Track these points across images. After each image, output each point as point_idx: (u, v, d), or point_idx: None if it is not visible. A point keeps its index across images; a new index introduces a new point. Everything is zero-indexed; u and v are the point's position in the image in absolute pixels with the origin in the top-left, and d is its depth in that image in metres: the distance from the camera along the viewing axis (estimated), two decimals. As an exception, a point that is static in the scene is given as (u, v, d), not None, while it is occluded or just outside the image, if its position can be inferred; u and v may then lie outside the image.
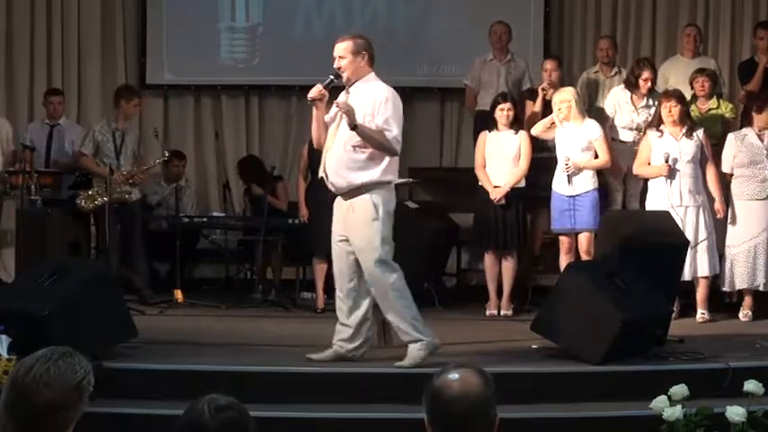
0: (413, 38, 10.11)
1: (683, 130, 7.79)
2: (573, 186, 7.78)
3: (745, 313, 7.86)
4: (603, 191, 8.10)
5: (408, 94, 10.15)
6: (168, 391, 5.58)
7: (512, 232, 8.05)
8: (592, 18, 10.19)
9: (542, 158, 8.30)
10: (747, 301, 7.89)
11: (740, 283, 7.84)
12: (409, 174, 9.48)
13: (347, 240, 6.07)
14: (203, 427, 2.33)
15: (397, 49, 10.05)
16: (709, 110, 8.41)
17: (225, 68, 10.13)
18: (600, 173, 8.02)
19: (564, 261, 7.74)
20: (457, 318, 8.01)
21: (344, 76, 6.05)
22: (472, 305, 8.35)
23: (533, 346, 6.55)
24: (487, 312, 8.09)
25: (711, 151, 7.90)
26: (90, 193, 8.29)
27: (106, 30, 10.02)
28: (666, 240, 7.06)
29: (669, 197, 7.73)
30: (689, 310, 7.79)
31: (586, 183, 7.81)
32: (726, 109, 8.60)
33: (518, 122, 8.18)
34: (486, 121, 8.30)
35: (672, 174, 7.74)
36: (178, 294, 8.27)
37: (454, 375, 2.50)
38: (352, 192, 6.00)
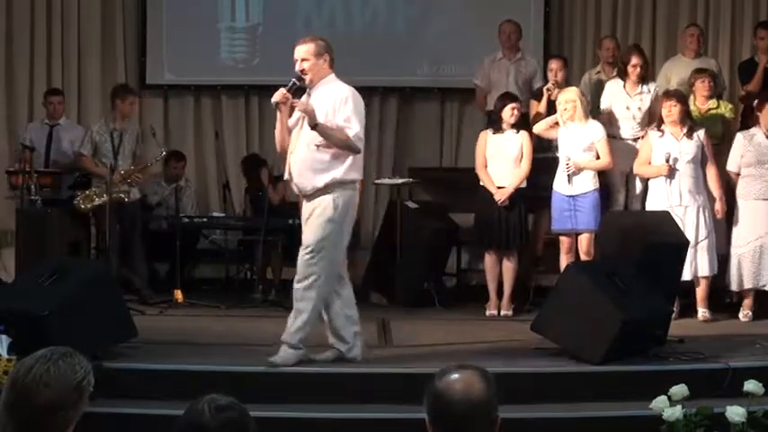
0: (413, 38, 10.11)
1: (684, 130, 7.79)
2: (573, 186, 7.77)
3: (745, 313, 7.86)
4: (605, 191, 8.10)
5: (408, 94, 10.23)
6: (168, 391, 5.59)
7: (513, 232, 8.04)
8: (592, 18, 10.18)
9: (544, 158, 8.30)
10: (747, 301, 7.88)
11: (747, 283, 7.84)
12: (409, 174, 9.50)
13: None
14: (203, 427, 2.33)
15: (397, 49, 10.08)
16: (709, 110, 8.41)
17: (225, 68, 10.13)
18: (602, 173, 8.01)
19: (564, 261, 7.73)
20: (457, 318, 8.00)
21: (307, 78, 6.05)
22: (472, 305, 8.35)
23: (534, 347, 6.54)
24: (487, 312, 8.08)
25: (712, 151, 7.89)
26: (87, 193, 8.28)
27: (106, 30, 10.01)
28: (666, 240, 7.06)
29: (669, 197, 7.73)
30: (689, 310, 7.79)
31: (587, 183, 7.81)
32: (726, 109, 8.60)
33: (523, 122, 8.16)
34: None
35: (672, 173, 7.74)
36: (178, 294, 8.27)
37: (456, 377, 2.49)
38: (317, 192, 6.03)
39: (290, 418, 5.55)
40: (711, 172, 7.82)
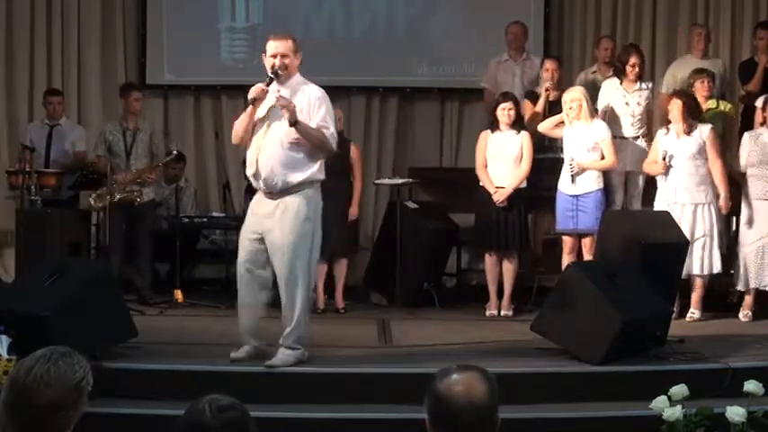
0: (413, 38, 10.11)
1: (685, 128, 7.79)
2: (576, 186, 7.77)
3: (745, 313, 7.86)
4: (606, 190, 8.09)
5: (408, 94, 10.23)
6: (168, 391, 5.58)
7: (513, 233, 8.04)
8: (592, 18, 10.18)
9: (544, 159, 8.31)
10: (747, 301, 7.88)
11: (751, 282, 7.84)
12: (409, 174, 9.51)
13: (262, 238, 6.04)
14: (204, 428, 2.33)
15: (397, 49, 10.08)
16: (709, 109, 8.40)
17: (225, 68, 10.13)
18: (603, 172, 8.00)
19: (566, 261, 7.73)
20: (457, 318, 8.01)
21: (283, 74, 6.03)
22: (472, 305, 8.35)
23: (534, 347, 6.54)
24: (487, 312, 8.09)
25: (717, 148, 7.87)
26: (100, 192, 8.27)
27: (106, 30, 10.01)
28: (666, 240, 7.06)
29: (666, 194, 7.75)
30: (689, 310, 7.79)
31: (590, 183, 7.81)
32: (726, 108, 8.60)
33: (520, 122, 8.17)
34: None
35: (668, 171, 7.74)
36: (178, 294, 8.27)
37: (458, 378, 2.46)
38: (286, 190, 6.01)
39: (290, 418, 5.55)
40: (715, 169, 7.81)
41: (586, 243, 7.77)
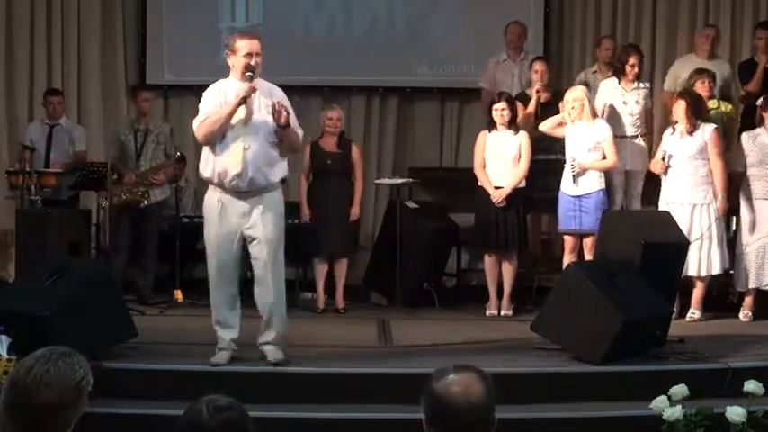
0: (413, 38, 10.11)
1: (687, 128, 7.79)
2: (578, 186, 7.76)
3: (745, 313, 7.86)
4: (606, 190, 8.08)
5: (408, 94, 10.22)
6: (168, 391, 5.59)
7: (512, 233, 8.04)
8: (592, 18, 10.18)
9: (543, 161, 8.31)
10: (747, 301, 7.88)
11: (751, 282, 7.84)
12: (409, 174, 9.50)
13: (238, 240, 6.04)
14: (202, 428, 2.33)
15: (397, 49, 10.08)
16: (710, 110, 8.40)
17: (225, 68, 10.06)
18: (604, 172, 7.99)
19: (567, 261, 7.73)
20: (457, 318, 8.01)
21: (257, 73, 6.03)
22: (472, 305, 8.35)
23: (534, 347, 6.54)
24: (487, 312, 8.09)
25: (719, 149, 7.86)
26: (108, 192, 8.26)
27: (106, 30, 10.01)
28: (666, 240, 7.06)
29: (666, 194, 7.75)
30: (689, 310, 7.79)
31: (592, 183, 7.80)
32: (726, 109, 8.60)
33: (515, 123, 8.17)
34: None
35: (667, 171, 7.74)
36: (178, 294, 8.27)
37: (456, 378, 2.47)
38: (267, 188, 6.03)
39: (290, 418, 5.55)
40: (716, 170, 7.79)
41: (588, 243, 7.76)
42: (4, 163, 9.38)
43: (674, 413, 4.96)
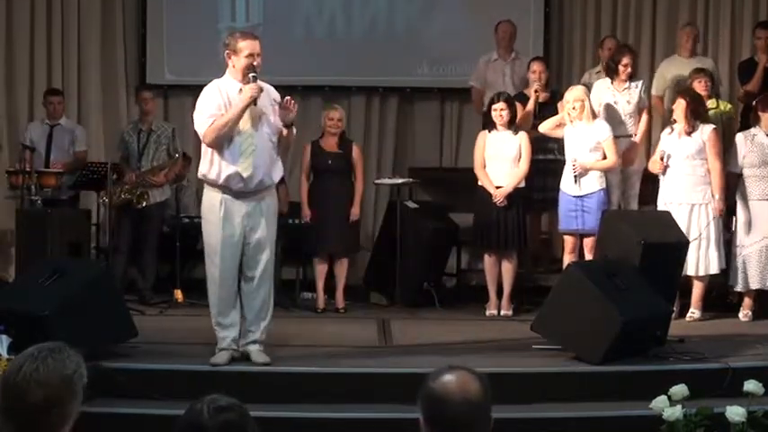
0: (413, 38, 10.11)
1: (686, 128, 7.79)
2: (580, 187, 7.76)
3: (745, 313, 7.85)
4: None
5: (408, 94, 10.22)
6: (167, 391, 5.59)
7: (512, 233, 8.04)
8: (592, 18, 10.18)
9: (541, 161, 8.31)
10: (747, 301, 7.88)
11: (753, 284, 7.83)
12: (409, 174, 9.50)
13: (241, 240, 6.04)
14: (202, 428, 2.33)
15: (397, 49, 10.08)
16: (709, 109, 8.40)
17: (225, 68, 10.08)
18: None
19: (567, 261, 7.72)
20: (457, 318, 8.01)
21: (259, 73, 6.03)
22: (472, 305, 8.35)
23: (534, 346, 6.54)
24: (487, 312, 8.09)
25: (718, 150, 7.86)
26: (110, 190, 8.26)
27: (106, 30, 10.01)
28: (666, 240, 7.06)
29: (664, 194, 7.75)
30: (689, 310, 7.79)
31: (593, 183, 7.79)
32: (725, 108, 8.60)
33: (514, 123, 8.17)
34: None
35: (665, 170, 7.74)
36: (178, 294, 8.27)
37: (452, 378, 2.49)
38: (264, 190, 6.06)
39: (290, 418, 5.55)
40: (714, 170, 7.79)
41: (588, 243, 7.76)
42: (4, 163, 9.38)
43: (674, 413, 4.96)
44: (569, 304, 6.30)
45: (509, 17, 9.33)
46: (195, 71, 9.96)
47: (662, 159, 7.76)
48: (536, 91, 8.47)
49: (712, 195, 7.75)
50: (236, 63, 6.03)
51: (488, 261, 8.14)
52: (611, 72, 8.42)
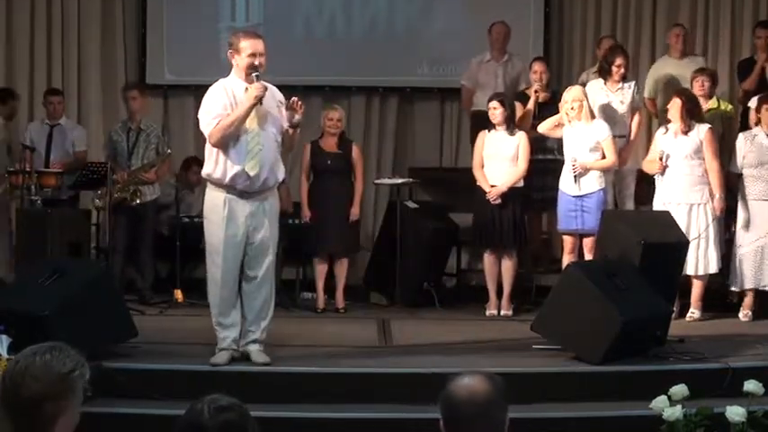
0: (413, 38, 10.11)
1: (683, 127, 7.79)
2: (580, 187, 7.76)
3: (745, 313, 7.86)
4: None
5: (408, 94, 10.23)
6: (167, 391, 5.59)
7: (510, 232, 8.04)
8: (592, 18, 10.18)
9: (540, 161, 8.31)
10: (747, 301, 7.88)
11: (747, 283, 7.84)
12: (409, 174, 9.50)
13: (243, 240, 6.03)
14: (202, 427, 2.33)
15: (397, 49, 10.08)
16: (709, 109, 8.41)
17: (225, 68, 10.06)
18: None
19: (566, 261, 7.73)
20: (457, 318, 8.01)
21: (262, 73, 6.03)
22: (472, 305, 8.35)
23: (534, 346, 6.54)
24: (487, 312, 8.09)
25: (714, 149, 7.86)
26: (100, 193, 8.27)
27: (106, 30, 10.01)
28: (666, 240, 7.06)
29: (662, 194, 7.75)
30: (689, 310, 7.79)
31: (593, 183, 7.79)
32: (725, 108, 8.60)
33: (513, 122, 8.18)
34: (484, 121, 8.30)
35: (664, 171, 7.74)
36: (178, 294, 8.27)
37: (465, 380, 2.60)
38: (267, 190, 6.07)
39: (290, 418, 5.55)
40: (711, 169, 7.80)
41: (588, 243, 7.75)
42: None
43: (674, 413, 4.96)
44: (569, 304, 6.30)
45: (509, 17, 9.33)
46: (195, 71, 9.98)
47: (661, 159, 7.76)
48: (536, 91, 8.49)
49: (711, 195, 7.75)
50: (239, 62, 6.05)
51: (487, 260, 8.14)
52: (605, 73, 8.43)
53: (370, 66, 10.08)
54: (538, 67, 8.66)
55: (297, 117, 6.00)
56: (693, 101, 7.91)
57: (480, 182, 8.06)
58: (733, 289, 7.96)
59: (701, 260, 7.72)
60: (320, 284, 8.30)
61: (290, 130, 6.07)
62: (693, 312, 7.77)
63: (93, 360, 5.58)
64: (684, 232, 7.50)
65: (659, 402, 5.06)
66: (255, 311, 6.08)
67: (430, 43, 10.09)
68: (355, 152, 8.39)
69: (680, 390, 5.08)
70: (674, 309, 7.28)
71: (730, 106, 8.74)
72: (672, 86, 8.64)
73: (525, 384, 5.81)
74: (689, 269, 7.65)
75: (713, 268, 7.80)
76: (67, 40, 9.95)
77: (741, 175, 7.92)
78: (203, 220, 6.34)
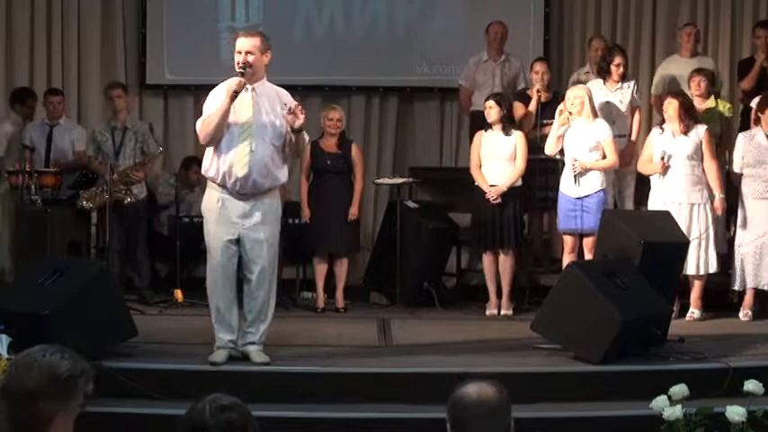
0: (413, 38, 10.11)
1: (682, 128, 7.79)
2: (580, 187, 7.76)
3: (745, 313, 7.86)
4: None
5: (408, 94, 10.23)
6: (168, 391, 5.59)
7: (508, 231, 8.05)
8: (592, 18, 10.19)
9: (538, 160, 8.31)
10: (747, 300, 7.89)
11: (749, 282, 7.84)
12: (409, 174, 9.51)
13: (236, 241, 6.02)
14: (204, 427, 2.33)
15: (397, 49, 10.08)
16: (707, 109, 8.41)
17: (225, 68, 10.05)
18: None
19: (567, 261, 7.73)
20: (457, 318, 8.01)
21: (249, 72, 5.99)
22: (472, 305, 8.36)
23: (534, 346, 6.54)
24: (487, 312, 8.09)
25: (712, 149, 7.87)
26: (90, 193, 8.27)
27: (106, 30, 10.01)
28: (666, 240, 7.06)
29: (663, 194, 7.74)
30: (689, 309, 7.79)
31: (593, 183, 7.79)
32: (724, 108, 8.60)
33: (511, 122, 8.18)
34: (482, 121, 8.30)
35: (666, 171, 7.74)
36: (178, 294, 8.27)
37: (471, 386, 2.69)
38: (268, 191, 6.04)
39: (290, 418, 5.54)
40: (711, 169, 7.81)
41: (587, 243, 7.76)
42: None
43: (674, 413, 4.96)
44: (569, 304, 6.30)
45: (509, 17, 9.34)
46: (195, 71, 9.99)
47: (663, 159, 7.75)
48: (538, 91, 8.49)
49: (709, 195, 7.76)
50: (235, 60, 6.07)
51: (486, 260, 8.15)
52: (604, 73, 8.44)
53: (370, 66, 10.08)
54: (539, 67, 8.67)
55: (298, 122, 5.97)
56: (689, 101, 7.93)
57: (479, 182, 8.07)
58: (735, 288, 7.95)
59: (701, 260, 7.72)
60: (320, 284, 8.30)
61: (292, 136, 6.04)
62: (693, 312, 7.77)
63: (94, 360, 5.61)
64: (687, 232, 7.51)
65: (659, 402, 5.06)
66: (254, 313, 6.08)
67: (430, 43, 10.09)
68: (355, 152, 8.39)
69: (680, 390, 5.07)
70: (674, 309, 7.28)
71: (729, 106, 8.74)
72: (680, 85, 8.64)
73: (525, 384, 5.80)
74: (689, 269, 7.65)
75: (713, 267, 7.80)
76: (67, 40, 9.95)
77: (741, 174, 7.92)
78: (202, 219, 6.34)
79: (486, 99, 8.19)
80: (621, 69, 8.38)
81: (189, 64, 10.05)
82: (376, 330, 7.43)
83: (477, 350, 6.64)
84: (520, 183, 8.09)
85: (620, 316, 6.06)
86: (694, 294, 7.79)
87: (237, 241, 6.04)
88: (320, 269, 8.32)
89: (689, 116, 7.82)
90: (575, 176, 7.76)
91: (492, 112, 8.05)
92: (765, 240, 7.82)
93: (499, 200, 7.98)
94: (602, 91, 8.38)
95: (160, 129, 9.61)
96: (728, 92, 9.41)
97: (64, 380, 2.43)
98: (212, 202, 6.09)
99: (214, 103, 6.05)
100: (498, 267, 8.11)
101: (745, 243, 7.86)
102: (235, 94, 5.91)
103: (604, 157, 7.86)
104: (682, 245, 7.15)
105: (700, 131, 7.80)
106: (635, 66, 9.68)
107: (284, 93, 6.16)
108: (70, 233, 8.16)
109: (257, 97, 6.03)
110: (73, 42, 9.96)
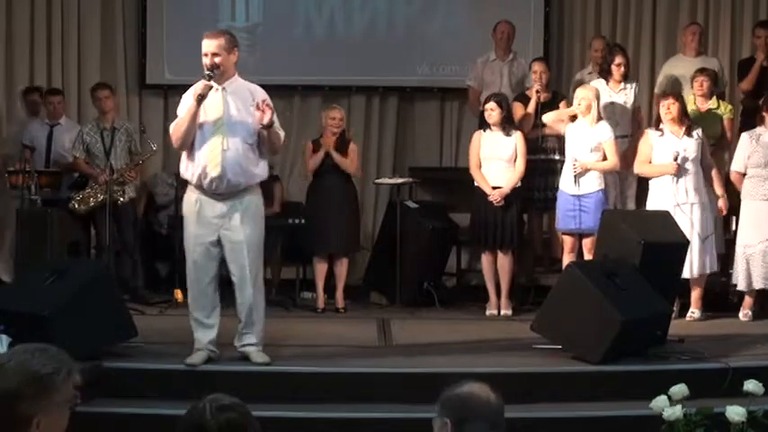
0: (413, 38, 10.11)
1: (683, 129, 7.79)
2: (579, 186, 7.76)
3: (745, 313, 7.86)
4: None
5: (408, 94, 10.23)
6: (168, 391, 5.59)
7: (508, 231, 8.05)
8: (592, 18, 10.19)
9: (538, 160, 8.31)
10: (747, 300, 7.88)
11: (757, 284, 7.82)
12: (409, 174, 9.51)
13: (215, 242, 5.97)
14: (204, 427, 2.33)
15: (397, 49, 10.08)
16: (709, 110, 8.41)
17: (224, 68, 10.09)
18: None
19: (566, 260, 7.73)
20: (457, 318, 8.01)
21: (218, 73, 5.96)
22: (472, 305, 8.36)
23: (534, 346, 6.54)
24: (487, 312, 8.09)
25: (708, 150, 7.89)
26: (83, 195, 8.26)
27: (106, 30, 10.01)
28: (666, 240, 7.06)
29: (675, 195, 7.69)
30: (689, 309, 7.79)
31: (593, 183, 7.80)
32: (725, 109, 8.60)
33: (510, 123, 8.17)
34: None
35: (678, 172, 7.72)
36: (178, 294, 8.25)
37: (475, 384, 2.70)
38: (246, 190, 5.99)
39: (290, 418, 5.55)
40: (714, 170, 7.82)
41: (587, 243, 7.77)
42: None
43: (674, 413, 4.96)
44: (569, 304, 6.31)
45: (509, 17, 9.33)
46: (195, 71, 9.80)
47: (676, 160, 7.69)
48: (537, 91, 8.48)
49: (709, 195, 7.76)
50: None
51: (486, 260, 8.15)
52: (606, 73, 8.44)
53: (370, 66, 10.07)
54: (538, 67, 8.66)
55: (266, 118, 5.90)
56: (684, 102, 7.94)
57: (479, 182, 8.06)
58: (740, 289, 7.93)
59: (701, 260, 7.72)
60: (320, 284, 8.30)
61: (264, 132, 5.99)
62: (693, 312, 7.77)
63: (93, 360, 5.62)
64: (700, 231, 7.53)
65: (659, 402, 5.06)
66: (245, 314, 6.04)
67: (430, 43, 10.09)
68: (351, 147, 8.37)
69: (680, 390, 5.07)
70: (674, 309, 7.28)
71: (729, 107, 8.74)
72: (683, 85, 8.64)
73: (525, 384, 5.81)
74: (689, 269, 7.65)
75: (713, 267, 7.80)
76: (67, 40, 9.95)
77: (744, 174, 7.91)
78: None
79: (487, 101, 8.18)
80: (623, 69, 8.39)
81: (189, 64, 9.94)
82: (376, 330, 7.43)
83: (477, 350, 6.64)
84: (519, 183, 8.09)
85: (619, 316, 6.06)
86: (695, 294, 7.79)
87: (218, 242, 6.00)
88: (320, 269, 8.32)
89: (687, 117, 7.84)
90: (575, 177, 7.76)
91: (493, 113, 8.04)
92: (772, 241, 7.82)
93: (502, 202, 7.98)
94: (605, 92, 8.37)
95: (160, 129, 9.59)
96: (728, 92, 9.40)
97: (41, 378, 2.38)
98: (190, 203, 6.04)
99: (184, 106, 6.04)
100: (497, 267, 8.11)
101: (752, 244, 7.81)
102: (201, 97, 5.89)
103: (605, 157, 7.86)
104: (682, 245, 7.15)
105: (699, 132, 7.81)
106: (635, 66, 9.68)
107: (257, 89, 6.08)
108: (70, 233, 8.14)
109: (227, 96, 5.98)
110: (73, 42, 9.96)
